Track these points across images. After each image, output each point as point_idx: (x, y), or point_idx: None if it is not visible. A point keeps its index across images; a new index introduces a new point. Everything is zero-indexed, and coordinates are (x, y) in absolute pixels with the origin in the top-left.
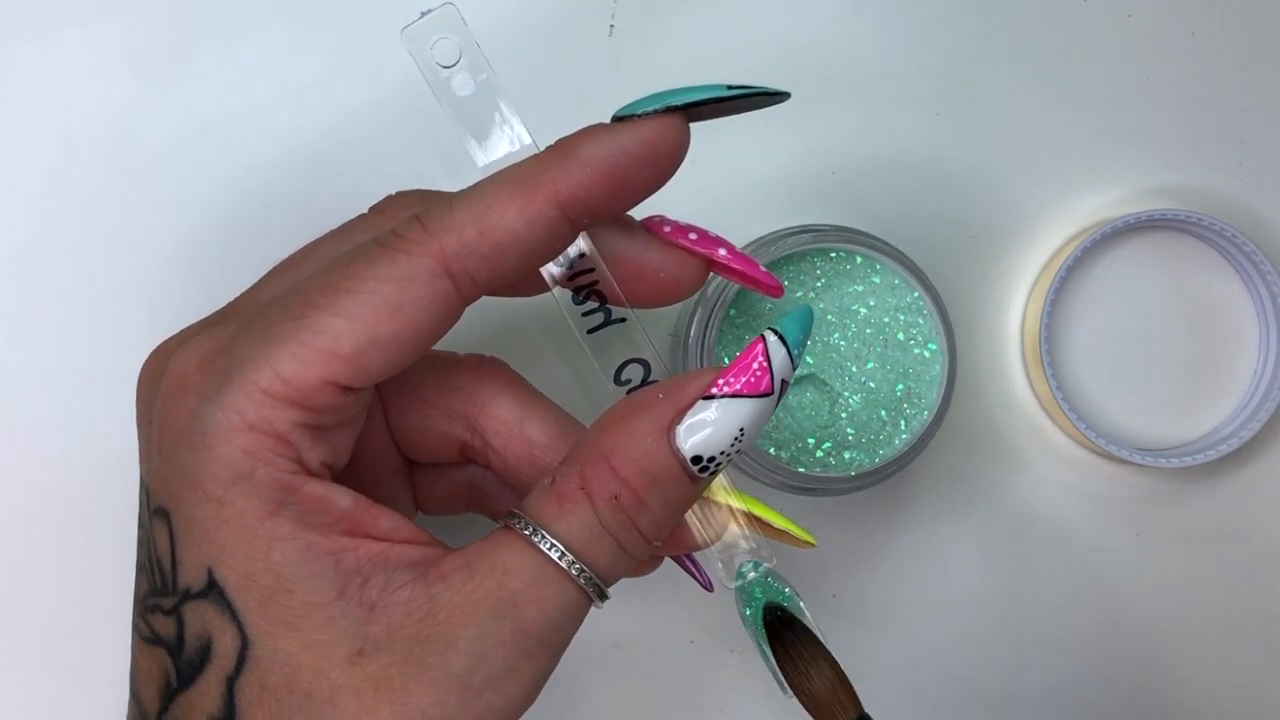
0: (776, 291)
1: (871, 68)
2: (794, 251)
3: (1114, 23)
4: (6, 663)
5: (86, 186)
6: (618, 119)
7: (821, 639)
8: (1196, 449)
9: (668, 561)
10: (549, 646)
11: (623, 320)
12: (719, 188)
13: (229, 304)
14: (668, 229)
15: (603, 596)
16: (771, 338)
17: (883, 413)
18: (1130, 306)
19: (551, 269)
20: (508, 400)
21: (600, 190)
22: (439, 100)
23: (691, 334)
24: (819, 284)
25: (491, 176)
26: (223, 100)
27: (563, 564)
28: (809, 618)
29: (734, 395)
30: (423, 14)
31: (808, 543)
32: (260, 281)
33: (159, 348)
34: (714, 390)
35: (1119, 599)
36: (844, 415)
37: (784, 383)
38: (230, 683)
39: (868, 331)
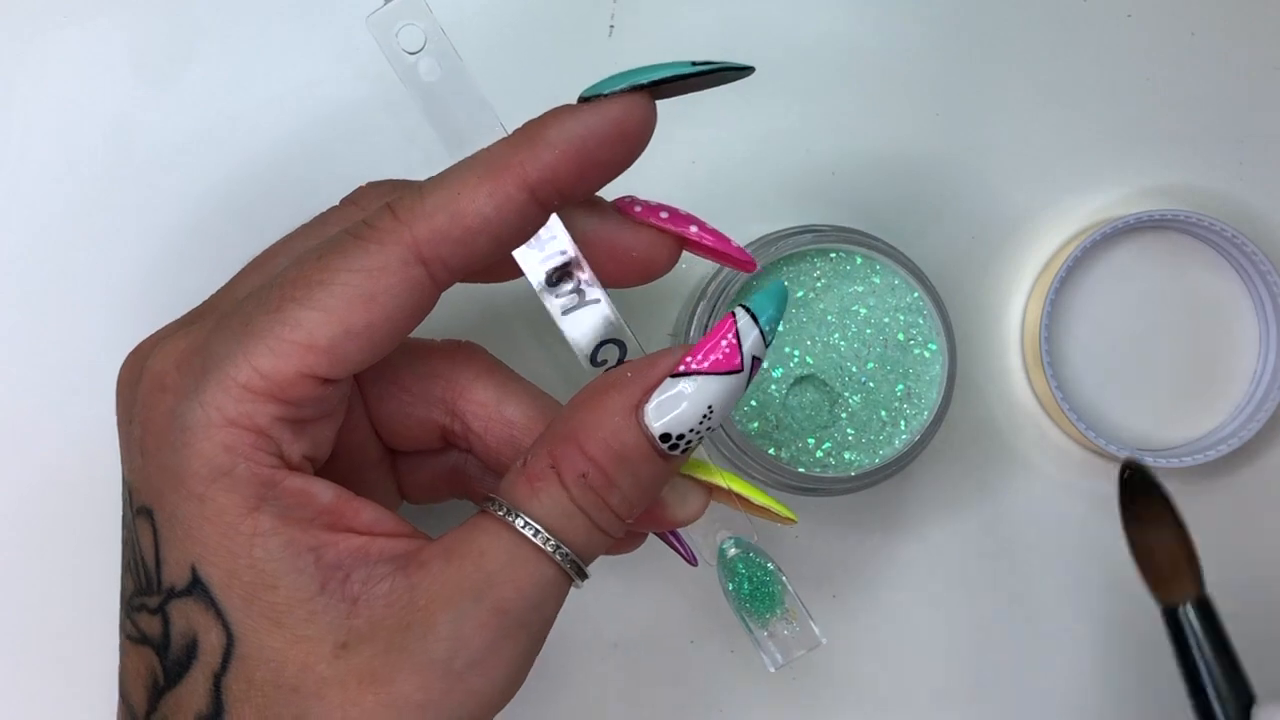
0: (749, 266)
1: (872, 68)
2: (794, 251)
3: (1114, 23)
4: None
5: (86, 186)
6: (584, 99)
7: (802, 604)
8: (1196, 449)
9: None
10: (529, 627)
11: (596, 301)
12: (719, 187)
13: (205, 301)
14: (639, 209)
15: (581, 575)
16: (741, 314)
17: (883, 413)
18: (1130, 306)
19: (524, 251)
20: (486, 384)
21: (568, 171)
22: (405, 86)
23: (692, 332)
24: (819, 284)
25: (460, 162)
26: (223, 99)
27: (538, 541)
28: (792, 593)
29: (703, 373)
30: (387, 0)
31: (788, 519)
32: (235, 277)
33: (137, 348)
34: (682, 368)
35: (1119, 599)
36: (844, 415)
37: (755, 360)
38: (217, 680)
39: (868, 331)
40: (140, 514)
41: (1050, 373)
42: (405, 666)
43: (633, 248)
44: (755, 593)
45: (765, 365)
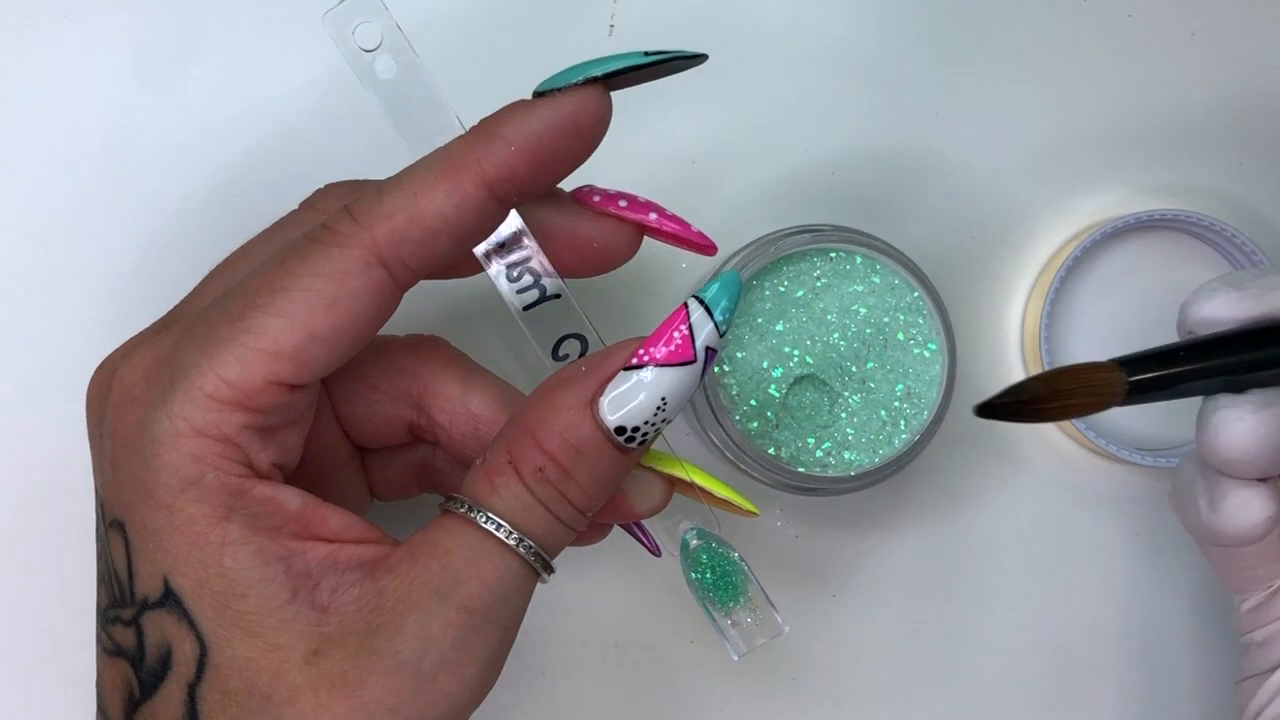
0: (710, 250)
1: (872, 67)
2: (794, 251)
3: (1114, 23)
4: None
5: (86, 186)
6: (538, 94)
7: (764, 593)
8: None
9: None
10: (496, 623)
11: (557, 296)
12: (719, 187)
13: (170, 311)
14: (597, 198)
15: (547, 568)
16: (694, 306)
17: (883, 413)
18: (1130, 306)
19: (484, 248)
20: (450, 377)
21: (526, 167)
22: (362, 84)
23: None
24: (819, 284)
25: (417, 162)
26: (223, 100)
27: (500, 535)
28: (755, 582)
29: (655, 365)
30: None
31: (749, 511)
32: (198, 286)
33: (105, 360)
34: (634, 360)
35: (1119, 599)
36: (844, 415)
37: (710, 350)
38: (191, 690)
39: (868, 331)
40: (112, 527)
41: None
42: (375, 670)
43: (593, 238)
44: (719, 583)
45: (765, 365)
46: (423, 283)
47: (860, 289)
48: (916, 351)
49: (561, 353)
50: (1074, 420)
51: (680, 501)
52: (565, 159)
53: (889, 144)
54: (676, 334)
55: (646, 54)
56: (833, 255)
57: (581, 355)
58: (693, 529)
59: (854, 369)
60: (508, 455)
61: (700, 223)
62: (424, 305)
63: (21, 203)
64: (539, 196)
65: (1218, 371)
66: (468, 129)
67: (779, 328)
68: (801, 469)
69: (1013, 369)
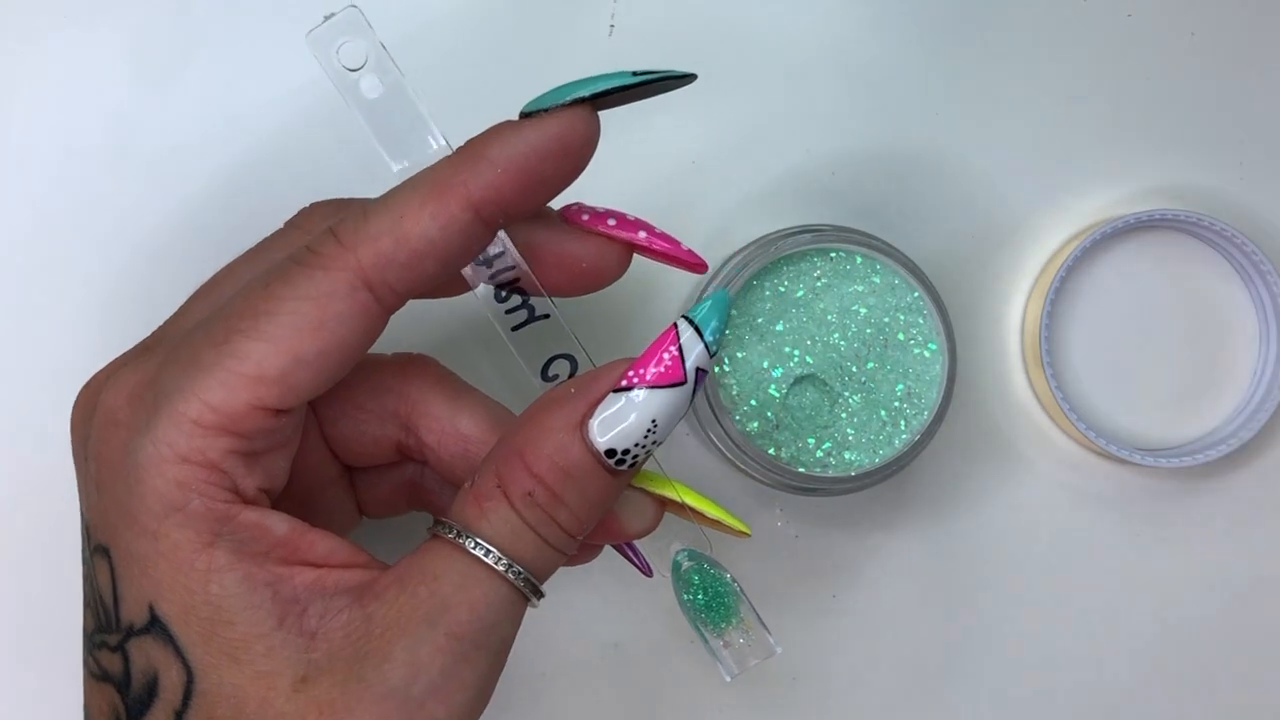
0: (700, 268)
1: (872, 67)
2: (794, 251)
3: (1114, 23)
4: None
5: (85, 186)
6: (525, 115)
7: (756, 614)
8: (1196, 449)
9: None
10: (485, 649)
11: (546, 316)
12: (719, 188)
13: (154, 332)
14: (586, 217)
15: (537, 593)
16: (684, 326)
17: (883, 413)
18: (1130, 306)
19: (472, 268)
20: (438, 397)
21: (513, 189)
22: (347, 103)
23: None
24: (819, 284)
25: (403, 183)
26: (223, 100)
27: (489, 561)
28: (748, 603)
29: (645, 386)
30: (326, 18)
31: (742, 532)
32: (182, 307)
33: (89, 382)
34: (624, 382)
35: (1119, 599)
36: (844, 415)
37: (700, 371)
38: (178, 717)
39: (868, 331)
40: (97, 552)
41: (1050, 373)
42: (364, 698)
43: (581, 257)
44: (710, 604)
45: (765, 365)
46: (410, 302)
47: (860, 289)
48: (916, 351)
49: (551, 373)
50: (1074, 420)
51: (671, 522)
52: (552, 180)
53: (889, 144)
54: (666, 355)
55: (635, 74)
56: (833, 255)
57: (571, 376)
58: (684, 550)
59: (854, 369)
60: (496, 479)
61: (700, 222)
62: (412, 325)
63: (21, 202)
64: (526, 217)
65: None
66: (454, 149)
67: (779, 328)
68: (801, 469)
69: (1013, 369)
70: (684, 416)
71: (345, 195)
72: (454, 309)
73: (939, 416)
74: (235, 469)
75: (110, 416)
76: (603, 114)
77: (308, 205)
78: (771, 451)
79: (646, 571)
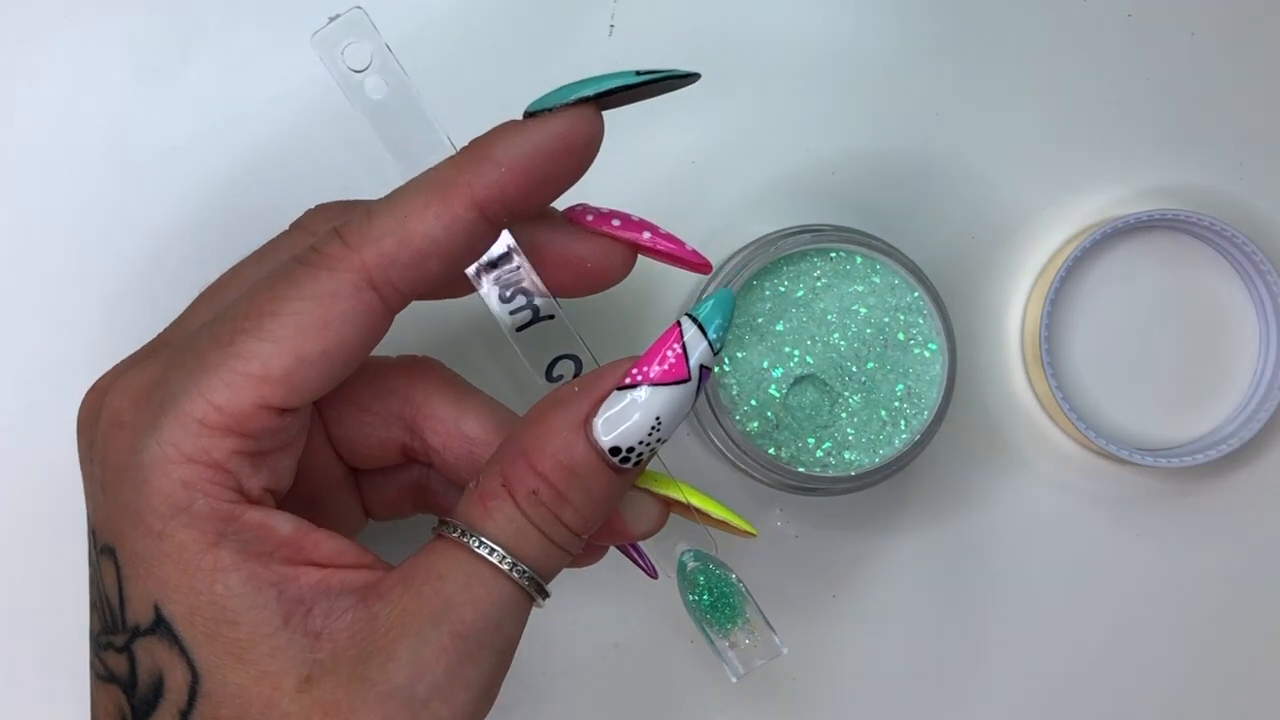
0: (705, 269)
1: (872, 67)
2: (794, 251)
3: (1114, 23)
4: None
5: (85, 186)
6: (529, 114)
7: (762, 615)
8: (1196, 449)
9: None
10: (490, 649)
11: (551, 316)
12: (719, 187)
13: (159, 334)
14: (590, 217)
15: (542, 593)
16: (688, 324)
17: (883, 413)
18: (1130, 306)
19: (476, 268)
20: (443, 399)
21: (517, 189)
22: (352, 104)
23: None
24: (819, 284)
25: (408, 183)
26: (223, 100)
27: (494, 560)
28: (753, 604)
29: (649, 384)
30: (331, 19)
31: (747, 532)
32: (188, 309)
33: (95, 385)
34: (628, 380)
35: (1119, 599)
36: (844, 415)
37: (704, 369)
38: (184, 718)
39: (868, 331)
40: (104, 553)
41: (1050, 373)
42: (368, 698)
43: (586, 258)
44: (716, 604)
45: (765, 365)
46: (415, 303)
47: (860, 289)
48: (917, 351)
49: (556, 374)
50: (1074, 420)
51: (677, 523)
52: (556, 180)
53: (889, 144)
54: (670, 353)
55: (638, 73)
56: (833, 255)
57: (576, 376)
58: (689, 551)
59: (854, 369)
60: (501, 478)
61: (700, 222)
62: (417, 326)
63: (21, 202)
64: (530, 217)
65: None
66: (458, 149)
67: (779, 328)
68: (801, 469)
69: (1013, 369)
70: (688, 415)
71: (346, 195)
72: (458, 310)
73: (939, 416)
74: (240, 469)
75: (116, 418)
76: (604, 114)
77: (313, 207)
78: (771, 451)
79: (652, 573)
